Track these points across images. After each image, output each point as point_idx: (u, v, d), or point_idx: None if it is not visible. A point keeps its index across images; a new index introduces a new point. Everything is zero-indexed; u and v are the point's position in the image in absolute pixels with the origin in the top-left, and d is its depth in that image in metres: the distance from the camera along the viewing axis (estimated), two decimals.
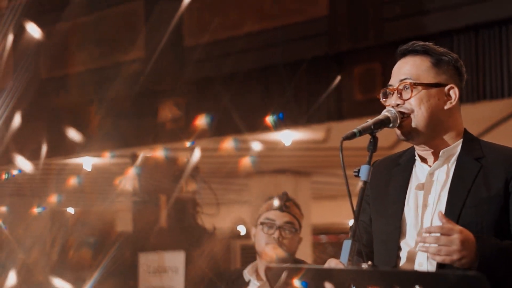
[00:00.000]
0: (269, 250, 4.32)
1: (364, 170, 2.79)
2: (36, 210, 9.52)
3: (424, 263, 2.80)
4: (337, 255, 2.74)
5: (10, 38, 10.01)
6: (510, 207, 2.79)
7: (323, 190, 13.00)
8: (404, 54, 2.98)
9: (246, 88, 8.33)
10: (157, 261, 8.68)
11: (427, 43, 2.98)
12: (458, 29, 7.21)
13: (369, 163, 2.79)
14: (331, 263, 2.74)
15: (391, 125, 2.87)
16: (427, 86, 2.89)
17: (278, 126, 7.66)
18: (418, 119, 2.88)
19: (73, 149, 9.35)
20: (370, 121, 2.83)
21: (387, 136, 3.04)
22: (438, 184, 2.87)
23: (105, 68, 9.41)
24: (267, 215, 4.41)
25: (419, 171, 2.95)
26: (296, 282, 2.56)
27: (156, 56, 8.87)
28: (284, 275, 2.29)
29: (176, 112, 8.57)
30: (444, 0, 7.30)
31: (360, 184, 2.78)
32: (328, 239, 16.04)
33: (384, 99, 2.96)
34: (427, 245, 2.64)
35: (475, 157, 2.87)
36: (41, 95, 9.82)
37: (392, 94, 2.92)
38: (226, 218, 12.89)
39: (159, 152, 9.35)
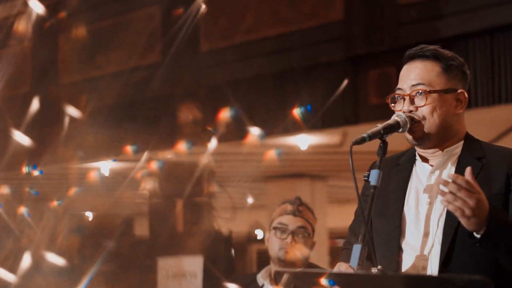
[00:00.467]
0: (292, 249, 4.33)
1: (374, 174, 2.80)
2: (56, 203, 9.54)
3: (428, 265, 2.80)
4: None
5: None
6: (510, 204, 2.81)
7: (339, 194, 12.99)
8: (412, 58, 2.98)
9: (263, 92, 8.35)
10: (175, 266, 8.69)
11: (435, 47, 2.98)
12: (473, 32, 7.19)
13: (379, 167, 2.80)
14: (341, 267, 2.74)
15: (400, 130, 2.88)
16: (440, 92, 2.90)
17: (306, 118, 7.64)
18: (430, 126, 2.89)
19: (92, 152, 9.39)
20: (379, 126, 2.84)
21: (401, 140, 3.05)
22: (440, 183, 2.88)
23: (122, 72, 9.44)
24: (280, 220, 4.43)
25: (420, 170, 2.96)
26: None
27: (173, 60, 8.91)
28: (285, 277, 2.30)
29: (196, 114, 8.59)
30: (459, 4, 7.29)
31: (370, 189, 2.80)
32: None
33: (393, 104, 2.96)
34: (445, 189, 2.62)
35: (476, 156, 2.88)
36: (60, 100, 9.87)
37: (403, 100, 2.92)
38: (242, 223, 12.92)
39: (175, 156, 9.37)
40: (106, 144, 8.98)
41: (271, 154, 8.46)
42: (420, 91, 2.89)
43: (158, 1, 9.51)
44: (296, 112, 7.53)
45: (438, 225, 2.83)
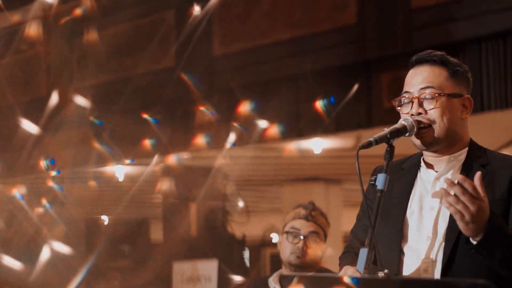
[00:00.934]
0: (303, 253, 4.34)
1: (381, 178, 2.81)
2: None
3: (430, 268, 2.81)
4: None
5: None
6: (511, 208, 2.82)
7: (354, 198, 12.96)
8: (420, 62, 2.99)
9: (276, 96, 8.36)
10: (191, 270, 8.71)
11: (443, 52, 3.00)
12: (486, 36, 7.19)
13: (385, 171, 2.81)
14: (348, 271, 2.75)
15: (407, 134, 2.88)
16: (449, 96, 2.91)
17: (329, 110, 7.65)
18: (440, 130, 2.90)
19: (105, 157, 9.43)
20: (386, 130, 2.85)
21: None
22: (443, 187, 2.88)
23: (135, 77, 9.48)
24: (293, 224, 4.43)
25: (425, 176, 2.97)
26: None
27: (186, 65, 8.94)
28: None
29: (211, 118, 8.61)
30: (472, 7, 7.28)
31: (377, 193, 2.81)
32: None
33: (399, 107, 2.98)
34: (450, 190, 2.63)
35: (481, 163, 2.89)
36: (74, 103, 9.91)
37: (411, 103, 2.93)
38: (257, 227, 12.92)
39: (189, 160, 9.40)
40: (123, 146, 9.02)
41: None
42: (430, 94, 2.90)
43: (172, 6, 9.55)
44: (319, 104, 7.55)
45: (441, 229, 2.84)
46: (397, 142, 2.90)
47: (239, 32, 9.02)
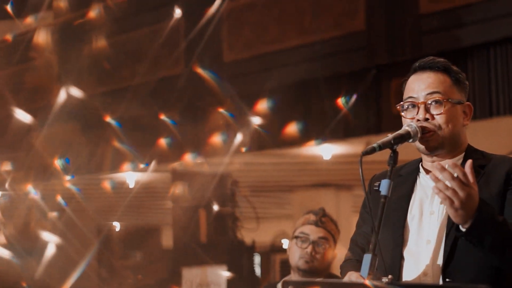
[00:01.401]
0: (312, 259, 4.35)
1: (385, 184, 2.81)
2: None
3: (429, 272, 2.82)
4: None
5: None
6: (507, 201, 2.84)
7: None
8: (423, 69, 3.00)
9: (285, 102, 8.37)
10: (200, 276, 8.73)
11: (445, 60, 3.01)
12: (494, 41, 7.19)
13: (389, 177, 2.82)
14: (352, 277, 2.76)
15: (411, 140, 2.90)
16: (455, 103, 2.94)
17: (349, 105, 7.65)
18: (445, 135, 2.92)
19: (117, 163, 9.46)
20: (390, 136, 2.86)
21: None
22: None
23: (146, 84, 9.51)
24: (302, 230, 4.44)
25: (424, 182, 2.98)
26: None
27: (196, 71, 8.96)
28: None
29: (222, 124, 8.62)
30: (480, 13, 7.28)
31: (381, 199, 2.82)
32: None
33: (404, 112, 2.99)
34: (439, 176, 2.65)
35: (478, 164, 2.90)
36: (87, 111, 9.95)
37: (416, 108, 2.95)
38: (267, 232, 12.92)
39: (198, 167, 9.41)
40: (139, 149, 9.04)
41: None
42: (437, 99, 2.92)
43: (182, 13, 9.58)
44: (341, 101, 7.55)
45: (440, 234, 2.85)
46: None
47: (249, 39, 9.04)
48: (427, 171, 2.99)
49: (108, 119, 8.74)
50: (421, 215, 2.92)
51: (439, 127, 2.91)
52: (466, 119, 3.00)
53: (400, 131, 2.90)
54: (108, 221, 12.74)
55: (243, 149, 8.24)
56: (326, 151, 9.20)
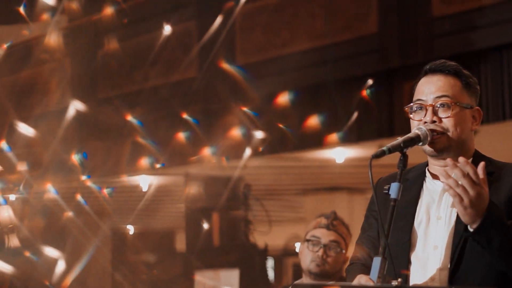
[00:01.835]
0: (323, 262, 4.34)
1: (394, 188, 2.81)
2: (106, 191, 9.60)
3: (437, 277, 2.82)
4: None
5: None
6: None
7: None
8: (433, 71, 2.99)
9: (298, 106, 8.37)
10: (212, 280, 8.73)
11: (455, 63, 3.00)
12: (508, 44, 7.17)
13: (399, 180, 2.82)
14: (361, 280, 2.75)
15: (421, 143, 2.89)
16: (464, 107, 2.93)
17: (373, 96, 7.63)
18: (452, 138, 2.90)
19: (133, 164, 9.47)
20: (400, 139, 2.85)
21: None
22: (450, 198, 2.88)
23: (160, 87, 9.53)
24: (314, 233, 4.44)
25: (431, 187, 2.97)
26: None
27: (209, 75, 8.97)
28: None
29: (236, 128, 8.61)
30: (493, 15, 7.26)
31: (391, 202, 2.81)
32: None
33: (412, 114, 2.98)
34: (450, 172, 2.65)
35: (486, 172, 2.88)
36: (99, 115, 9.98)
37: (424, 110, 2.94)
38: (280, 236, 12.91)
39: (212, 169, 9.41)
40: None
41: None
42: (445, 103, 2.91)
43: (194, 17, 9.60)
44: (367, 92, 7.54)
45: (447, 239, 2.84)
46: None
47: (261, 42, 9.05)
48: (434, 176, 2.98)
49: (129, 117, 8.75)
50: (428, 220, 2.91)
51: (447, 130, 2.90)
52: (475, 124, 2.98)
53: (410, 135, 2.89)
54: (121, 224, 12.77)
55: (260, 149, 8.24)
56: (339, 154, 9.19)
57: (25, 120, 8.55)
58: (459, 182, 2.63)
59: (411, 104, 2.99)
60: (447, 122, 2.90)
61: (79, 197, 8.97)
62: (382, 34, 8.07)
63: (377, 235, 3.02)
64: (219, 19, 8.80)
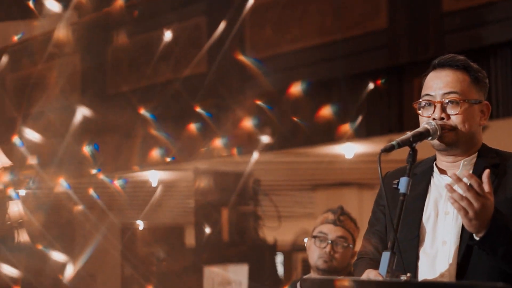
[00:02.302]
0: (330, 258, 4.34)
1: (404, 182, 2.81)
2: (117, 182, 9.62)
3: (446, 273, 2.81)
4: None
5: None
6: None
7: None
8: (442, 66, 2.99)
9: (307, 102, 8.37)
10: (221, 275, 8.74)
11: (464, 58, 2.99)
12: None
13: (408, 175, 2.82)
14: (370, 275, 2.75)
15: (430, 138, 2.89)
16: (472, 103, 2.93)
17: (383, 91, 7.64)
18: (461, 134, 2.91)
19: (140, 162, 9.49)
20: (409, 134, 2.86)
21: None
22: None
23: (169, 82, 9.54)
24: (321, 229, 4.43)
25: (438, 182, 2.97)
26: None
27: (219, 70, 8.98)
28: None
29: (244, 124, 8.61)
30: (503, 11, 7.24)
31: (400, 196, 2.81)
32: None
33: (421, 110, 2.98)
34: (455, 187, 2.67)
35: (492, 164, 2.89)
36: (108, 111, 10.00)
37: (433, 106, 2.94)
38: (289, 231, 12.90)
39: (222, 165, 9.41)
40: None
41: None
42: (454, 100, 2.91)
43: (204, 12, 9.60)
44: (381, 82, 7.55)
45: (455, 234, 2.84)
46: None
47: (271, 38, 9.04)
48: (441, 171, 2.98)
49: (142, 111, 8.76)
50: (437, 215, 2.91)
51: (456, 126, 2.89)
52: (483, 119, 2.98)
53: (419, 129, 2.89)
54: (131, 220, 12.79)
55: (271, 142, 8.23)
56: (349, 150, 9.19)
57: (35, 115, 8.59)
58: (464, 195, 2.64)
59: (420, 100, 2.99)
60: (456, 119, 2.90)
61: (91, 191, 8.99)
62: (391, 30, 8.05)
63: (385, 230, 3.03)
64: (229, 15, 8.81)
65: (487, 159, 2.92)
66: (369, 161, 9.58)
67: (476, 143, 2.98)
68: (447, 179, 2.94)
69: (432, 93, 2.95)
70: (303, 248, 4.63)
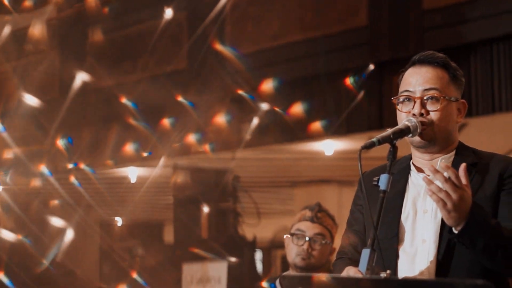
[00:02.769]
0: (308, 256, 4.31)
1: (384, 179, 2.80)
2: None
3: (425, 271, 2.81)
4: None
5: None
6: (500, 203, 2.84)
7: None
8: (422, 62, 2.99)
9: (287, 98, 8.35)
10: (200, 272, 8.72)
11: (444, 55, 2.99)
12: (498, 37, 7.17)
13: (389, 172, 2.81)
14: (350, 272, 2.74)
15: (410, 135, 2.89)
16: (451, 100, 2.94)
17: (359, 87, 7.61)
18: (438, 131, 2.92)
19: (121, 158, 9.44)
20: (390, 130, 2.85)
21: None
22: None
23: (148, 78, 9.50)
24: (298, 226, 4.40)
25: (416, 180, 2.97)
26: None
27: (199, 66, 8.94)
28: None
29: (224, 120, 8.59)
30: (484, 9, 7.26)
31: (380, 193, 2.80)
32: None
33: (400, 105, 2.97)
34: (432, 178, 2.68)
35: (469, 163, 2.89)
36: (88, 106, 9.95)
37: (412, 102, 2.93)
38: (268, 228, 12.90)
39: (201, 161, 9.39)
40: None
41: None
42: (433, 96, 2.91)
43: (184, 8, 9.56)
44: (350, 81, 7.52)
45: (434, 232, 2.85)
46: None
47: (251, 33, 9.02)
48: (418, 169, 2.99)
49: (124, 100, 8.70)
50: (415, 214, 2.91)
51: (433, 122, 2.90)
52: (460, 116, 3.00)
53: (400, 126, 2.89)
54: (110, 216, 12.73)
55: (239, 147, 8.21)
56: (328, 146, 9.18)
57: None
58: (441, 187, 2.64)
59: (399, 95, 2.98)
60: (434, 116, 2.91)
61: (72, 179, 8.94)
62: (372, 27, 8.06)
63: (363, 230, 3.03)
64: (209, 10, 8.78)
65: (465, 157, 2.94)
66: (348, 158, 9.58)
67: (453, 141, 2.99)
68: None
69: (412, 89, 2.96)
70: (282, 245, 4.62)
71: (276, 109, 7.84)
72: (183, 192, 9.55)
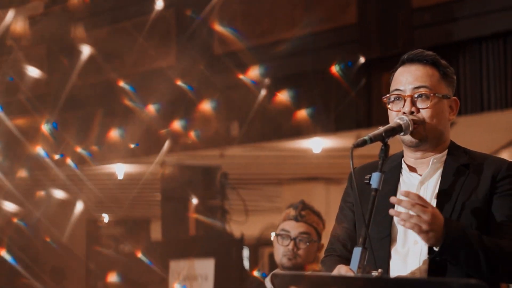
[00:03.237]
0: (294, 255, 4.29)
1: (376, 177, 2.78)
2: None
3: (417, 272, 2.81)
4: None
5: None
6: (493, 206, 2.83)
7: None
8: (411, 61, 2.98)
9: (276, 96, 8.35)
10: (187, 269, 8.69)
11: (434, 53, 2.99)
12: (486, 36, 7.19)
13: (380, 170, 2.79)
14: (341, 270, 2.73)
15: (402, 133, 2.88)
16: (441, 98, 2.93)
17: (346, 75, 7.60)
18: (429, 129, 2.91)
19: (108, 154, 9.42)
20: (381, 128, 2.84)
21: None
22: (428, 191, 2.90)
23: (138, 75, 9.47)
24: (283, 226, 4.37)
25: (408, 180, 2.96)
26: None
27: (188, 64, 8.91)
28: None
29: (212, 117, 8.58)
30: (473, 7, 7.27)
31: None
32: None
33: (390, 104, 2.96)
34: (401, 209, 2.69)
35: (462, 163, 2.90)
36: (74, 102, 9.91)
37: (403, 101, 2.93)
38: (256, 226, 12.90)
39: (188, 158, 9.37)
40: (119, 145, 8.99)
41: None
42: (424, 93, 2.90)
43: (173, 4, 9.53)
44: (336, 68, 7.50)
45: None
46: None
47: (240, 31, 9.00)
48: (410, 168, 2.98)
49: (122, 83, 8.67)
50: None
51: (424, 120, 2.89)
52: (452, 114, 2.99)
53: (391, 124, 2.88)
54: (97, 213, 12.70)
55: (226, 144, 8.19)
56: (316, 144, 9.18)
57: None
58: (411, 213, 2.65)
59: (389, 94, 2.97)
60: (425, 113, 2.90)
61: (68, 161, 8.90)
62: (361, 25, 8.05)
63: (353, 227, 3.02)
64: (198, 7, 8.76)
65: (457, 157, 2.93)
66: (336, 156, 9.59)
67: (445, 139, 2.98)
68: (416, 177, 2.95)
69: (402, 88, 2.95)
70: (269, 243, 4.59)
71: (264, 106, 7.84)
72: (171, 189, 9.53)
